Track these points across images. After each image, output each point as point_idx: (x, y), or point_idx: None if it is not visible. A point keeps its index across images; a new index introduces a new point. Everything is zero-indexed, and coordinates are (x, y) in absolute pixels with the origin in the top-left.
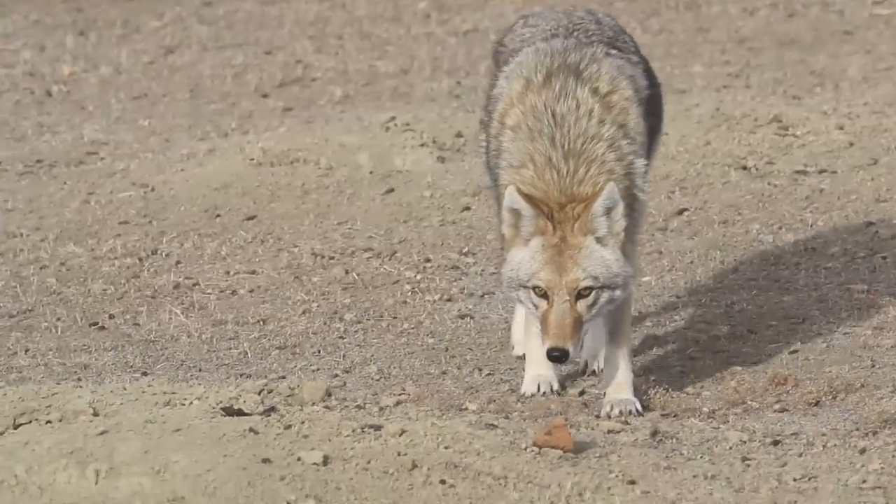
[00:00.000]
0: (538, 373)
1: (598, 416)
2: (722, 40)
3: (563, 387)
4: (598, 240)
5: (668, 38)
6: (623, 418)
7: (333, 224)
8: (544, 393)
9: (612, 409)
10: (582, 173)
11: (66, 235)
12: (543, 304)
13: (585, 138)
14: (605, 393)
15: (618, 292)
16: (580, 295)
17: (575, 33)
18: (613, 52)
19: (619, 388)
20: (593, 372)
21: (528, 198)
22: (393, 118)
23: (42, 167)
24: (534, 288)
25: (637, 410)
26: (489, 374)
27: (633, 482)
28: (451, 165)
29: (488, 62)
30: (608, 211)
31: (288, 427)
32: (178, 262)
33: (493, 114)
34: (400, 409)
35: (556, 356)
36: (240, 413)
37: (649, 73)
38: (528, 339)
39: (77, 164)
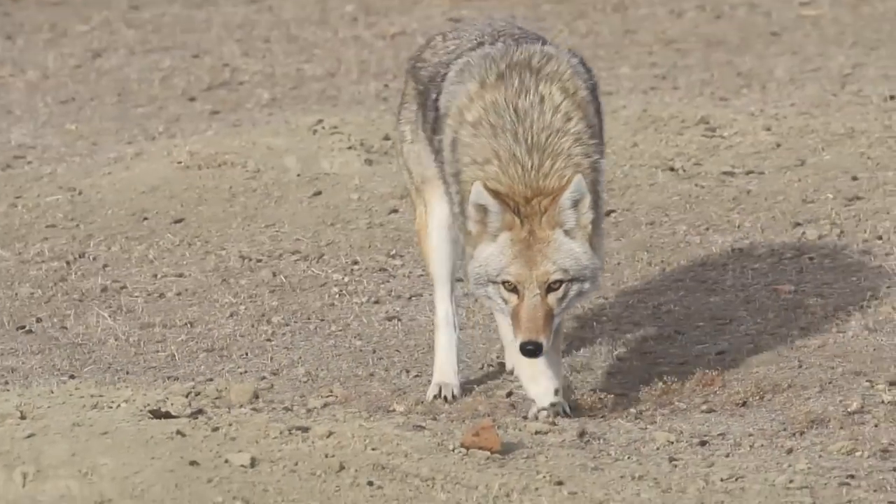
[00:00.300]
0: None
1: (525, 418)
2: (649, 42)
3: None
4: (567, 232)
5: (595, 40)
6: (551, 419)
7: (261, 227)
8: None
9: (539, 411)
10: (548, 167)
11: None
12: (514, 298)
13: (550, 132)
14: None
15: (587, 284)
16: (550, 288)
17: (501, 38)
18: (555, 49)
19: (542, 390)
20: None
21: (495, 193)
22: (320, 121)
23: None
24: (503, 283)
25: (566, 412)
26: (417, 376)
27: (560, 483)
28: (379, 168)
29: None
30: (576, 203)
31: (215, 429)
32: (105, 266)
33: (442, 117)
34: (327, 410)
35: (531, 350)
36: (167, 416)
37: (587, 68)
38: (508, 349)
39: (4, 169)
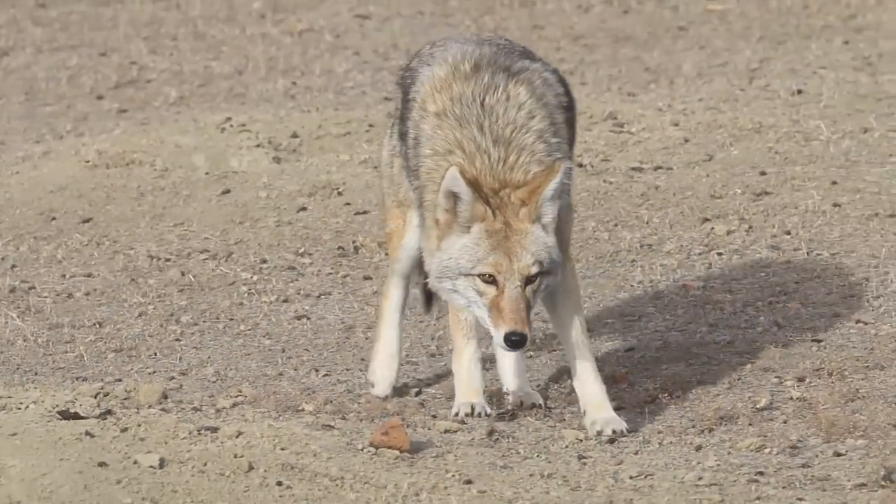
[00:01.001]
0: (467, 400)
1: (586, 438)
2: (556, 37)
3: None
4: (543, 227)
5: (502, 35)
6: (614, 437)
7: (169, 226)
8: (479, 414)
9: (601, 429)
10: (513, 160)
11: None
12: (492, 290)
13: (515, 127)
14: (584, 412)
15: (555, 279)
16: (529, 281)
17: (487, 44)
18: (535, 62)
19: (600, 408)
20: (532, 405)
21: (471, 182)
22: (228, 119)
23: None
24: (480, 275)
25: (626, 430)
26: (326, 375)
27: (469, 482)
28: (287, 166)
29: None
30: (557, 195)
31: (124, 430)
32: (13, 266)
33: (409, 113)
34: (236, 410)
35: (516, 340)
36: (76, 416)
37: (567, 88)
38: (456, 359)
39: None
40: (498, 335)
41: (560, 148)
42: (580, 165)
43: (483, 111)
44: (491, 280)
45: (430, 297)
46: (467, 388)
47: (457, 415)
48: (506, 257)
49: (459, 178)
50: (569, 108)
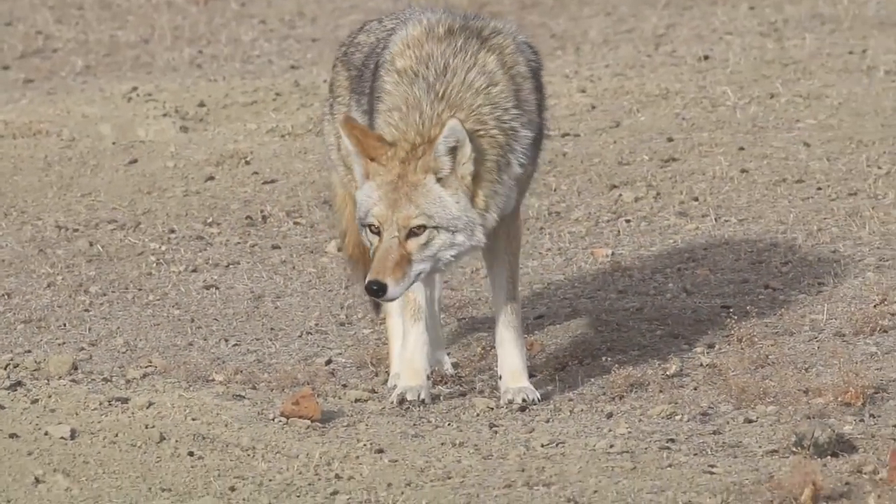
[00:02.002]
0: (408, 384)
1: (497, 407)
2: (462, 5)
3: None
4: (440, 180)
5: (410, 3)
6: (525, 405)
7: (77, 196)
8: (412, 402)
9: (512, 398)
10: (446, 117)
11: None
12: (376, 241)
13: (466, 88)
14: (500, 377)
15: (459, 237)
16: (412, 233)
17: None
18: (504, 26)
19: (516, 377)
20: (446, 374)
21: (353, 132)
22: (135, 88)
23: None
24: (368, 226)
25: (537, 399)
26: (236, 345)
27: (381, 451)
28: (195, 135)
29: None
30: (451, 150)
31: (35, 401)
32: None
33: (375, 68)
34: (147, 381)
35: (374, 290)
36: None
37: (534, 51)
38: (391, 337)
39: None
40: (365, 281)
41: (522, 122)
42: None
43: (443, 71)
44: (376, 231)
45: (378, 304)
46: (410, 369)
47: (401, 399)
48: (389, 208)
49: (344, 132)
50: (537, 73)
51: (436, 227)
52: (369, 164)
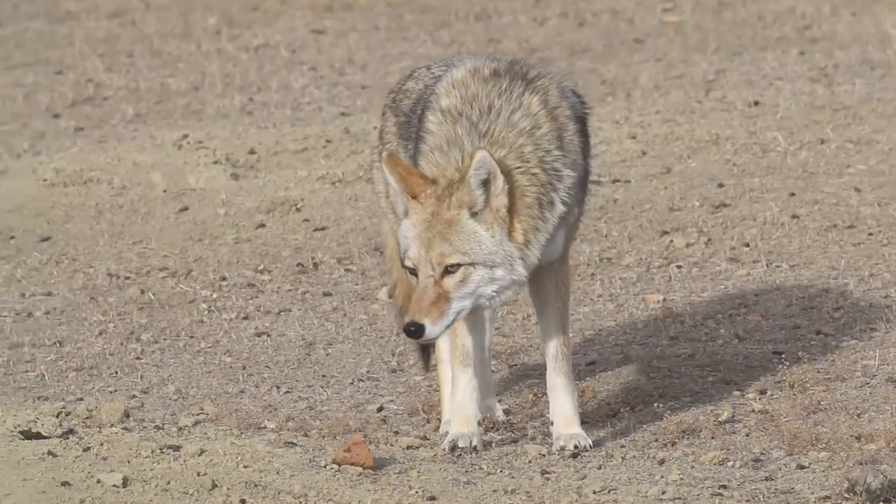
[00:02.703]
0: (460, 431)
1: (549, 453)
2: (513, 50)
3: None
4: (474, 214)
5: (458, 49)
6: (577, 452)
7: (128, 244)
8: (463, 449)
9: (563, 444)
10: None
11: None
12: (414, 281)
13: (510, 129)
14: (552, 423)
15: (499, 272)
16: (447, 271)
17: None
18: (549, 72)
19: (568, 423)
20: (498, 421)
21: (396, 168)
22: (185, 136)
23: None
24: (407, 267)
25: (589, 445)
26: (287, 392)
27: (433, 498)
28: (245, 182)
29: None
30: (483, 183)
31: (87, 449)
32: None
33: (420, 113)
34: (199, 428)
35: (412, 331)
36: (38, 436)
37: (579, 97)
38: (442, 384)
39: None
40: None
41: (565, 162)
42: None
43: (487, 111)
44: (413, 272)
45: (425, 351)
46: (461, 416)
47: (453, 446)
48: (422, 247)
49: (387, 168)
50: (583, 118)
51: (472, 264)
52: (410, 201)
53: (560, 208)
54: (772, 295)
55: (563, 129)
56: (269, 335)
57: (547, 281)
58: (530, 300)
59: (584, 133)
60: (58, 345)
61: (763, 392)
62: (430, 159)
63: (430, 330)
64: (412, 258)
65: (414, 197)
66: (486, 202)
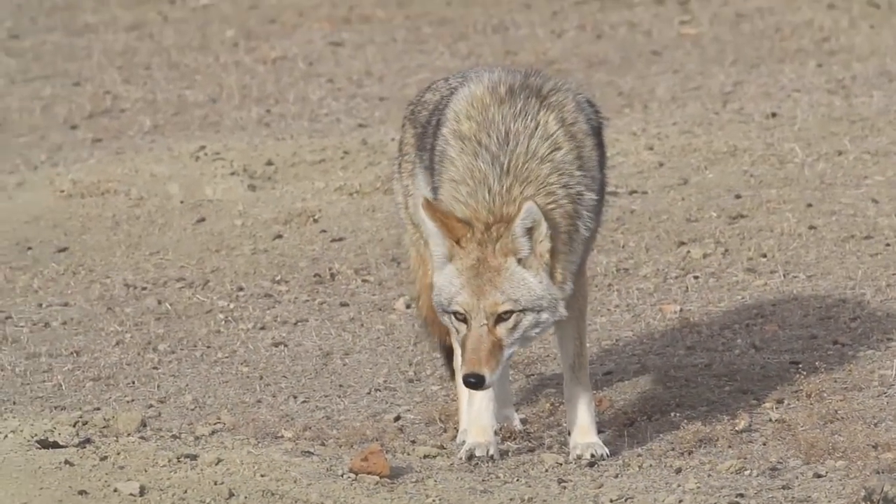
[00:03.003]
0: (477, 440)
1: (566, 462)
2: (530, 63)
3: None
4: (520, 261)
5: (476, 61)
6: (594, 461)
7: (145, 254)
8: (480, 458)
9: (580, 453)
10: (516, 192)
11: None
12: (463, 328)
13: (532, 158)
14: (569, 433)
15: (544, 315)
16: (500, 318)
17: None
18: (565, 84)
19: (585, 432)
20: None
21: (436, 214)
22: (203, 147)
23: None
24: (453, 313)
25: (606, 454)
26: (304, 402)
27: None
28: (262, 193)
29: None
30: (528, 231)
31: (104, 458)
32: None
33: (441, 123)
34: (216, 438)
35: (472, 382)
36: (55, 445)
37: (595, 109)
38: (459, 394)
39: None
40: (460, 375)
41: (586, 183)
42: None
43: (505, 140)
44: (462, 318)
45: (451, 361)
46: (478, 426)
47: (469, 455)
48: (473, 296)
49: (425, 214)
50: (599, 131)
51: (522, 311)
52: (454, 247)
53: (584, 234)
54: (789, 305)
55: (582, 147)
56: (286, 345)
57: None
58: None
59: (600, 145)
60: (75, 355)
61: (780, 401)
62: (455, 195)
63: (489, 380)
64: (462, 305)
65: (457, 241)
66: (531, 249)
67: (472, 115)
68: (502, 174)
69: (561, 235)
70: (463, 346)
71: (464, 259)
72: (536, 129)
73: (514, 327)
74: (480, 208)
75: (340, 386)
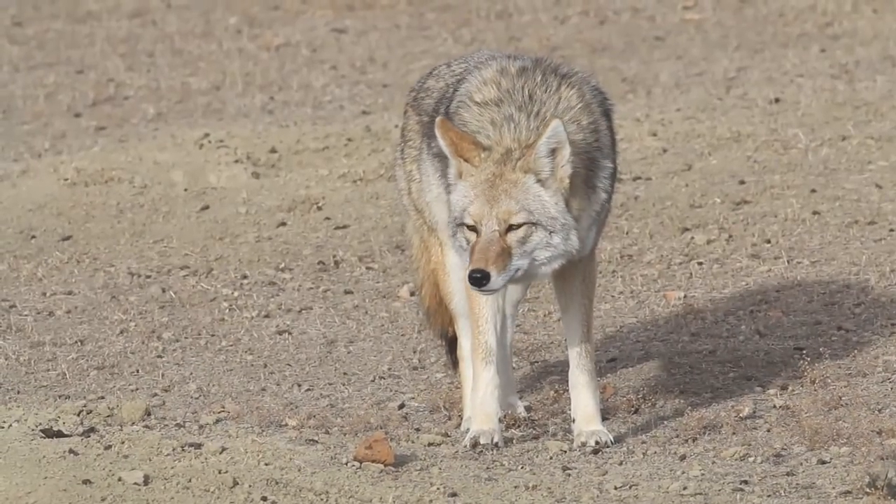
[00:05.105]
0: (481, 428)
1: (570, 449)
2: (533, 49)
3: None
4: (540, 181)
5: (479, 48)
6: (598, 448)
7: (149, 242)
8: (485, 445)
9: (585, 441)
10: (535, 125)
11: None
12: (473, 238)
13: (554, 112)
14: (573, 420)
15: (556, 238)
16: (511, 228)
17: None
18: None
19: (589, 419)
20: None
21: (448, 133)
22: (206, 135)
23: None
24: (466, 225)
25: (610, 441)
26: (308, 390)
27: (454, 494)
28: (266, 181)
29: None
30: (552, 152)
31: (108, 447)
32: None
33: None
34: (220, 426)
35: (477, 277)
36: (59, 434)
37: (605, 95)
38: (463, 381)
39: None
40: (466, 272)
41: (599, 149)
42: None
43: (530, 100)
44: (473, 228)
45: (453, 351)
46: (482, 413)
47: (474, 442)
48: (486, 204)
49: (439, 133)
50: (609, 115)
51: (535, 224)
52: (463, 164)
53: (602, 196)
54: (793, 291)
55: (598, 123)
56: (290, 333)
57: (574, 277)
58: (555, 296)
59: (611, 130)
60: (79, 343)
61: (784, 388)
62: (480, 138)
63: (495, 280)
64: (474, 214)
65: (466, 160)
66: (552, 171)
67: (486, 89)
68: (528, 116)
69: (579, 174)
70: (472, 250)
71: (478, 175)
72: (560, 100)
73: (525, 239)
74: (504, 138)
75: (344, 374)
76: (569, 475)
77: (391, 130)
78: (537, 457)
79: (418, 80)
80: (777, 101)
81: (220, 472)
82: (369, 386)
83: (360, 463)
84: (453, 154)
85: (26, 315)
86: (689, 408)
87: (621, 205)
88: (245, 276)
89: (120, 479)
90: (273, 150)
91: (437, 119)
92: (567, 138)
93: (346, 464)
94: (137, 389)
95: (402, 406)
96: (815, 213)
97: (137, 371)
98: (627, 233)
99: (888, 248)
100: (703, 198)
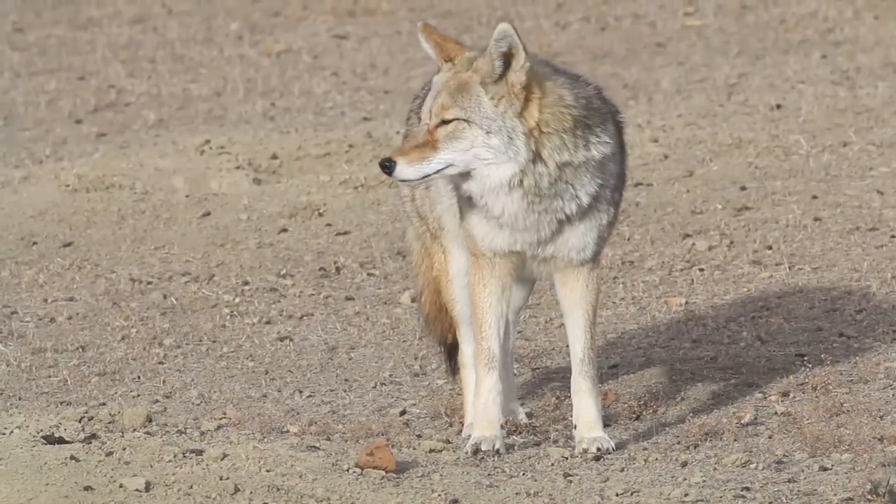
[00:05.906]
0: (483, 435)
1: (572, 456)
2: (534, 55)
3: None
4: (483, 83)
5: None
6: (599, 455)
7: (150, 249)
8: (486, 452)
9: (586, 447)
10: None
11: None
12: None
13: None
14: (575, 427)
15: (494, 139)
16: (444, 122)
17: None
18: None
19: (590, 426)
20: (520, 424)
21: (432, 35)
22: (207, 141)
23: None
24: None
25: (611, 448)
26: (310, 396)
27: (455, 501)
28: (268, 187)
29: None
30: (503, 56)
31: (109, 454)
32: None
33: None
34: (221, 433)
35: (385, 165)
36: (61, 441)
37: (613, 104)
38: (464, 388)
39: None
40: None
41: (598, 137)
42: None
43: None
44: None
45: (451, 358)
46: (484, 420)
47: (475, 449)
48: (431, 98)
49: (422, 37)
50: (615, 115)
51: (467, 121)
52: (443, 64)
53: (594, 154)
54: (794, 297)
55: (605, 122)
56: (291, 339)
57: (577, 283)
58: (558, 302)
59: (620, 132)
60: (80, 350)
61: (786, 394)
62: None
63: (400, 169)
64: (424, 108)
65: (448, 60)
66: (503, 76)
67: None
68: None
69: (561, 110)
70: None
71: (441, 75)
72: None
73: (453, 134)
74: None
75: (346, 380)
76: (570, 482)
77: (392, 137)
78: (539, 463)
79: (421, 86)
80: (778, 107)
81: (221, 479)
82: (371, 392)
83: (362, 469)
84: (439, 56)
85: (28, 321)
86: (691, 414)
87: (623, 211)
88: (246, 283)
89: (121, 486)
90: (274, 157)
91: (420, 24)
92: (520, 43)
93: (348, 470)
94: (139, 396)
95: (403, 412)
96: (816, 219)
97: (139, 377)
98: (629, 239)
99: (890, 254)
100: (705, 204)
